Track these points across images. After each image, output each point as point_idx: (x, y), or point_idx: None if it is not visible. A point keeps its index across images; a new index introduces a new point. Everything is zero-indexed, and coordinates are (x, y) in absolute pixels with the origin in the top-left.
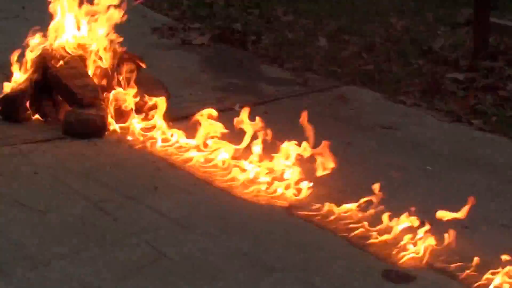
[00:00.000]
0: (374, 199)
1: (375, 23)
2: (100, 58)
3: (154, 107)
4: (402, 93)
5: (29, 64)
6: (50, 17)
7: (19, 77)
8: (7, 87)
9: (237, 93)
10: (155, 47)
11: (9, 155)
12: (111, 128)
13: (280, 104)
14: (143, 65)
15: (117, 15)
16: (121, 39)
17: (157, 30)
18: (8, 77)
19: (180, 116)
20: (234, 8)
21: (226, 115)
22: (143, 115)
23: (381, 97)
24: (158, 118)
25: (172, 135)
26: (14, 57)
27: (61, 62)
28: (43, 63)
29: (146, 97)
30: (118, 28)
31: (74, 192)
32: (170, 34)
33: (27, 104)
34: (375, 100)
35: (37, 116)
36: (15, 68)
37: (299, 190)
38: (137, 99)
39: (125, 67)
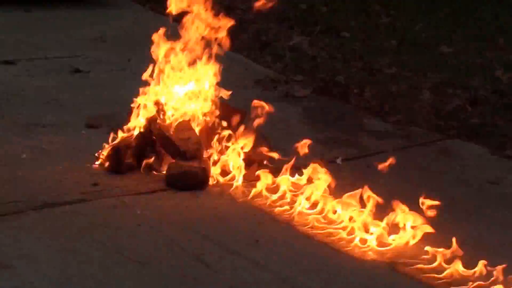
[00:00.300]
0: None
1: (479, 76)
2: (204, 113)
3: (257, 159)
4: (508, 148)
5: (134, 117)
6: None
7: (125, 129)
8: (113, 139)
9: (339, 146)
10: (256, 99)
11: (112, 206)
12: (213, 180)
13: (383, 157)
14: (246, 117)
15: (218, 68)
16: (228, 93)
17: (260, 82)
18: (114, 129)
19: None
20: (337, 61)
21: (328, 168)
22: (245, 167)
23: (486, 152)
24: (260, 173)
25: (275, 187)
26: (122, 110)
27: (168, 117)
28: (148, 116)
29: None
30: (221, 80)
31: (175, 245)
32: (272, 86)
33: (131, 155)
34: (480, 155)
35: (141, 167)
36: (121, 120)
37: (404, 247)
38: (240, 156)
39: (228, 120)
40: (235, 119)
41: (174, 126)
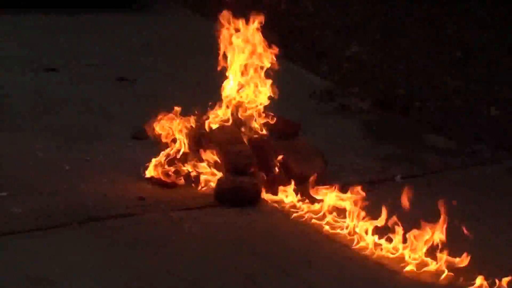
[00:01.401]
0: None
1: None
2: (256, 127)
3: (312, 175)
4: None
5: (181, 129)
6: (205, 78)
7: (174, 140)
8: (160, 154)
9: (398, 163)
10: (312, 112)
11: (159, 222)
12: (265, 196)
13: (445, 176)
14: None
15: (271, 80)
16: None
17: (315, 94)
18: (161, 143)
19: (339, 184)
20: (397, 72)
21: (387, 186)
22: (298, 184)
23: None
24: (316, 190)
25: (328, 207)
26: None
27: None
28: (199, 127)
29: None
30: (274, 92)
31: (225, 263)
32: (328, 98)
33: (180, 168)
34: None
35: (188, 181)
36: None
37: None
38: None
39: (282, 133)
40: (289, 132)
41: (225, 138)
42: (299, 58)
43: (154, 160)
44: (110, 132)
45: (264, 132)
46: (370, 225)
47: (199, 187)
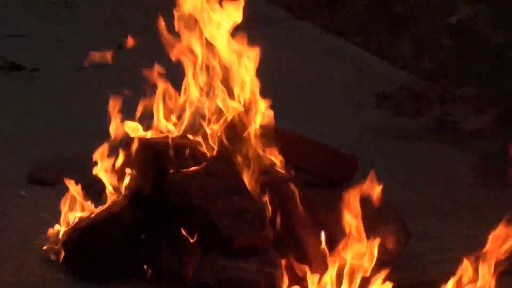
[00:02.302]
0: None
1: None
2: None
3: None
4: None
5: (123, 162)
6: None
7: (107, 187)
8: (83, 210)
9: None
10: (382, 133)
11: None
12: None
13: None
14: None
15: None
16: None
17: (387, 98)
18: (85, 184)
19: (431, 280)
20: None
21: None
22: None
23: None
24: None
25: None
26: (101, 149)
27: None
28: (156, 162)
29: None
30: (308, 91)
31: None
32: (413, 107)
33: (117, 244)
34: None
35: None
36: (99, 169)
37: None
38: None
39: (322, 177)
40: (337, 174)
41: (211, 184)
42: (357, 30)
43: (69, 229)
44: None
45: (287, 172)
46: None
47: (161, 280)
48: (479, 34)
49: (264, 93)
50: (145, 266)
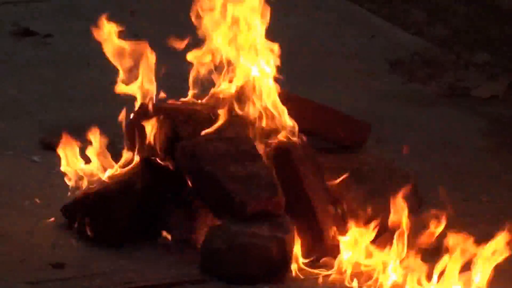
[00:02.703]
0: None
1: None
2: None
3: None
4: None
5: (140, 135)
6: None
7: (123, 158)
8: (88, 182)
9: None
10: (394, 99)
11: None
12: (300, 264)
13: None
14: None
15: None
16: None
17: (400, 64)
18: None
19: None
20: None
21: None
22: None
23: None
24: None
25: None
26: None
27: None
28: (168, 128)
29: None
30: (321, 58)
31: None
32: (425, 73)
33: (129, 210)
34: None
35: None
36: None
37: None
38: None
39: (334, 143)
40: (350, 139)
41: (221, 150)
42: None
43: (81, 193)
44: (1, 136)
45: (298, 138)
46: None
47: (174, 245)
48: (492, 1)
49: (276, 59)
50: (157, 233)
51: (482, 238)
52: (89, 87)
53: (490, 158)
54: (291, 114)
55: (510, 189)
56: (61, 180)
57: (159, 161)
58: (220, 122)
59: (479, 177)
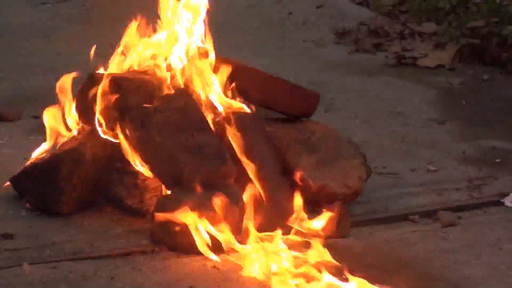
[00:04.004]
0: None
1: None
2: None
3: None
4: None
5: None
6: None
7: (69, 125)
8: (44, 146)
9: (506, 168)
10: (341, 69)
11: (49, 281)
12: (244, 235)
13: None
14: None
15: None
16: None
17: (347, 34)
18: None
19: (390, 215)
20: None
21: (492, 216)
22: (312, 209)
23: None
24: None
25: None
26: (65, 84)
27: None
28: (117, 98)
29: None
30: (268, 27)
31: None
32: (372, 44)
33: (79, 180)
34: None
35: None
36: (66, 108)
37: None
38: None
39: (283, 112)
40: (298, 108)
41: (172, 120)
42: None
43: (31, 161)
44: None
45: (248, 108)
46: None
47: (122, 214)
48: None
49: (223, 29)
50: (106, 203)
51: (430, 208)
52: (36, 57)
53: (436, 127)
54: (240, 84)
55: (455, 158)
56: (9, 150)
57: (108, 130)
58: (168, 92)
59: (425, 146)
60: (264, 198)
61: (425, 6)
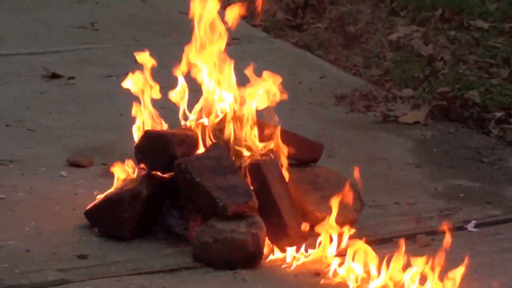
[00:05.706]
0: None
1: None
2: (256, 146)
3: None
4: None
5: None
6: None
7: (127, 170)
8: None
9: (471, 203)
10: (339, 125)
11: None
12: (270, 252)
13: None
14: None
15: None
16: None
17: (344, 98)
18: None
19: (379, 238)
20: (467, 66)
21: (458, 239)
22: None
23: None
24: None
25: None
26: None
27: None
28: (166, 148)
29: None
30: (283, 93)
31: None
32: (364, 105)
33: (137, 212)
34: None
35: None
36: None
37: None
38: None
39: (294, 159)
40: (306, 156)
41: (209, 166)
42: (320, 45)
43: (100, 198)
44: (35, 156)
45: (267, 156)
46: None
47: (170, 241)
48: (414, 48)
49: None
50: (158, 230)
51: (410, 232)
52: (104, 117)
53: (414, 169)
54: (263, 137)
55: (429, 194)
56: (83, 190)
57: (160, 174)
58: (206, 144)
59: (405, 185)
60: (281, 226)
61: (404, 76)
